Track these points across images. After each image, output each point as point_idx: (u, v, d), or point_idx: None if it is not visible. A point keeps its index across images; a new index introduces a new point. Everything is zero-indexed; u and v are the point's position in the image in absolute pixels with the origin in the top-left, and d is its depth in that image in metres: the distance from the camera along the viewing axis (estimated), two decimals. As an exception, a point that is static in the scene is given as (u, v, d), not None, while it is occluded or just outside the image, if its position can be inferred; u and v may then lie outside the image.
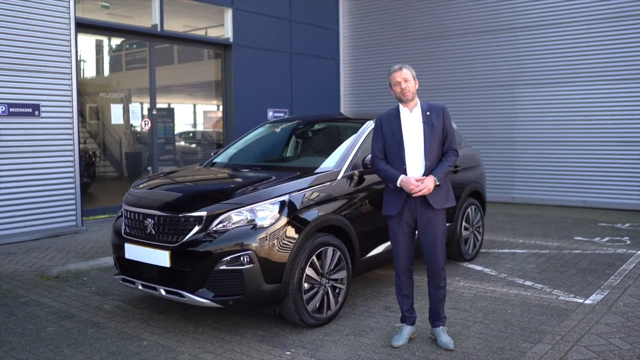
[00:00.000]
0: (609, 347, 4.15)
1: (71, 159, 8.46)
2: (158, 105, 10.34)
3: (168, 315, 5.01)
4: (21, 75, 7.89)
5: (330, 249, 4.73)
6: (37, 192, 8.08)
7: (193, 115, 12.62)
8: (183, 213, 4.49)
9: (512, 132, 11.48)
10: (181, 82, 12.17)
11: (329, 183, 4.92)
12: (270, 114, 11.87)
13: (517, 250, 7.34)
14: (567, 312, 4.95)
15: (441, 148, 4.30)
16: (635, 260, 6.66)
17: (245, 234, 4.34)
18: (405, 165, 4.21)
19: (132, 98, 10.86)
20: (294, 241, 4.46)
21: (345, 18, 13.69)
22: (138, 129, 10.73)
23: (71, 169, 8.46)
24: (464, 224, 6.63)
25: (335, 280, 4.80)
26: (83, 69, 11.11)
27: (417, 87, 4.30)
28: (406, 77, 4.23)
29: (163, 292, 4.53)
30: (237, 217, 4.42)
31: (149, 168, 10.32)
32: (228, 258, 4.28)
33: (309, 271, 4.56)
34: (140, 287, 4.73)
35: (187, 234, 4.42)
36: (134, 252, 4.69)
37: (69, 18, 8.40)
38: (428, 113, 4.27)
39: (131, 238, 4.77)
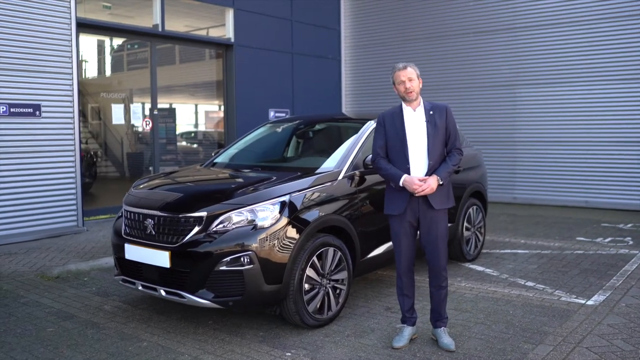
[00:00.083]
0: (611, 349, 4.12)
1: (72, 159, 8.45)
2: (159, 106, 10.33)
3: (168, 316, 5.00)
4: (22, 76, 7.88)
5: (331, 250, 4.71)
6: (38, 192, 8.07)
7: (194, 115, 12.61)
8: (183, 213, 4.47)
9: (513, 132, 11.45)
10: (182, 82, 12.15)
11: (329, 183, 4.90)
12: (271, 114, 11.85)
13: (519, 251, 7.32)
14: (569, 313, 4.93)
15: (444, 147, 4.28)
16: (638, 261, 6.63)
17: (245, 234, 4.32)
18: (408, 164, 4.19)
19: (133, 98, 10.84)
20: (294, 242, 4.44)
21: (347, 18, 13.67)
22: (139, 129, 10.72)
23: (72, 169, 8.45)
24: (465, 224, 6.61)
25: (336, 281, 4.78)
26: (85, 69, 11.10)
27: (420, 86, 4.27)
28: (411, 77, 4.20)
29: (163, 293, 4.52)
30: (237, 217, 4.40)
31: (150, 168, 10.31)
32: (228, 259, 4.26)
33: (309, 272, 4.54)
34: (140, 287, 4.72)
35: (187, 235, 4.40)
36: (134, 252, 4.68)
37: (70, 18, 8.39)
38: (431, 112, 4.25)
39: (131, 238, 4.76)
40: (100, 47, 11.37)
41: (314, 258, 4.57)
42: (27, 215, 7.97)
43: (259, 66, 11.59)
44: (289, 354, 4.17)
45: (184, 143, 12.20)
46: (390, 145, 4.29)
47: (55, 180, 8.27)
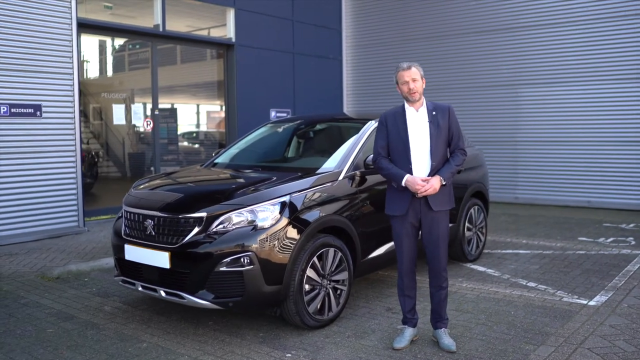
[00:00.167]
0: (613, 350, 4.10)
1: (73, 159, 8.44)
2: (160, 106, 10.32)
3: (168, 317, 4.98)
4: (23, 76, 7.87)
5: (331, 250, 4.69)
6: (39, 193, 8.06)
7: (195, 115, 12.61)
8: (183, 214, 4.45)
9: (515, 132, 11.42)
10: (183, 83, 12.15)
11: (330, 184, 4.89)
12: (272, 114, 11.84)
13: (521, 251, 7.29)
14: (571, 313, 4.90)
15: (447, 148, 4.26)
16: (640, 261, 6.62)
17: (245, 235, 4.31)
18: (410, 165, 4.16)
19: (134, 98, 10.84)
20: (294, 242, 4.43)
21: (348, 18, 13.65)
22: (141, 130, 10.71)
23: (73, 170, 8.44)
24: (466, 224, 6.59)
25: (337, 281, 4.76)
26: (86, 69, 11.10)
27: (424, 86, 4.25)
28: (415, 77, 4.17)
29: (163, 294, 4.50)
30: (237, 218, 4.39)
31: (151, 168, 10.30)
32: (228, 259, 4.24)
33: (310, 272, 4.52)
34: (140, 288, 4.70)
35: (187, 235, 4.39)
36: (134, 253, 4.67)
37: (71, 18, 8.38)
38: (434, 113, 4.22)
39: (131, 239, 4.75)
40: (101, 47, 11.37)
41: (315, 259, 4.56)
42: (28, 216, 7.96)
43: (260, 66, 11.57)
44: (289, 355, 4.15)
45: (185, 143, 12.20)
46: (393, 145, 4.27)
47: (56, 180, 8.27)
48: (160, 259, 4.44)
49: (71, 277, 6.32)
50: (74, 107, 8.43)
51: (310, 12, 12.65)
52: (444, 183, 4.13)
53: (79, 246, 7.55)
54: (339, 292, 4.79)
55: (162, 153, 10.41)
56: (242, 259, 4.25)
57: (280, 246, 4.36)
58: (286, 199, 4.52)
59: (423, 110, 4.23)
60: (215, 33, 11.43)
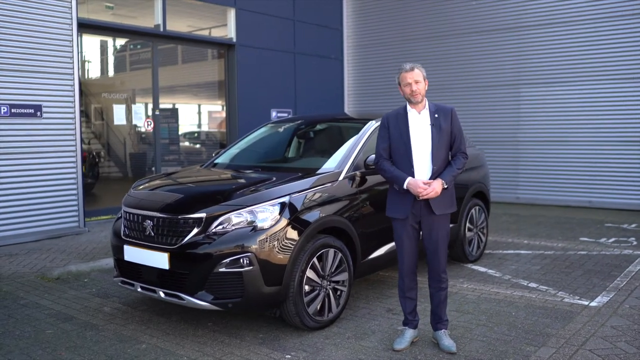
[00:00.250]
0: (614, 351, 4.07)
1: (73, 159, 8.43)
2: (161, 106, 10.31)
3: (168, 318, 4.96)
4: (23, 76, 7.86)
5: (331, 251, 4.67)
6: (39, 193, 8.06)
7: (196, 115, 12.60)
8: (182, 215, 4.44)
9: (516, 132, 11.40)
10: (184, 83, 12.14)
11: (330, 184, 4.87)
12: (273, 114, 11.82)
13: (522, 251, 7.27)
14: (572, 314, 4.88)
15: (448, 151, 4.23)
16: (642, 262, 6.59)
17: (244, 235, 4.29)
18: (413, 168, 4.13)
19: (135, 98, 10.83)
20: (294, 243, 4.41)
21: (349, 18, 13.63)
22: (141, 130, 10.70)
23: (73, 170, 8.43)
24: (467, 224, 6.56)
25: (337, 282, 4.74)
26: (87, 70, 11.10)
27: (426, 87, 4.22)
28: (417, 79, 4.13)
29: (162, 295, 4.49)
30: (236, 218, 4.37)
31: (152, 169, 10.29)
32: (227, 260, 4.23)
33: (309, 273, 4.50)
34: (139, 289, 4.69)
35: (186, 236, 4.37)
36: (133, 254, 4.65)
37: (71, 18, 8.37)
38: (436, 115, 4.18)
39: (130, 240, 4.73)
40: (102, 47, 11.37)
41: (314, 259, 4.54)
42: (28, 216, 7.95)
43: (261, 66, 11.56)
44: (289, 356, 4.13)
45: (186, 143, 12.19)
46: (394, 147, 4.24)
47: (57, 180, 8.26)
48: (160, 259, 4.42)
49: (71, 277, 6.31)
50: (74, 107, 8.41)
51: (311, 12, 12.63)
52: (445, 186, 4.11)
53: (79, 246, 7.54)
54: (339, 293, 4.77)
55: (163, 153, 10.40)
56: (241, 260, 4.23)
57: (280, 247, 4.34)
58: (286, 199, 4.50)
59: (425, 113, 4.20)
60: (216, 33, 11.42)
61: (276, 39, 11.86)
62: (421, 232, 4.29)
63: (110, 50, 11.51)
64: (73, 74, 8.39)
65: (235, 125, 11.18)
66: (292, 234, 4.42)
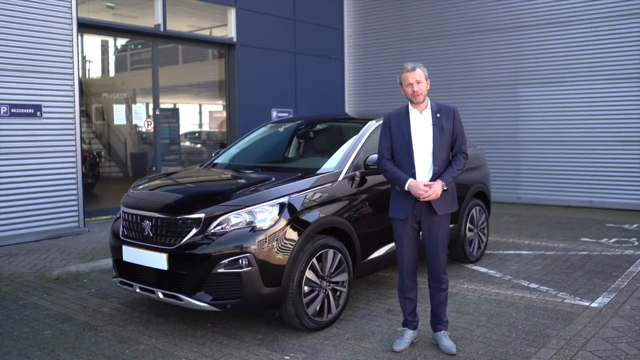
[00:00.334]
0: (615, 352, 4.05)
1: (73, 159, 8.42)
2: (162, 106, 10.30)
3: (167, 319, 4.95)
4: (23, 76, 7.85)
5: (330, 252, 4.65)
6: (39, 193, 8.04)
7: (197, 115, 12.59)
8: (181, 215, 4.42)
9: (516, 132, 11.37)
10: (185, 82, 12.13)
11: (329, 184, 4.85)
12: (274, 113, 11.80)
13: (523, 252, 7.24)
14: (573, 315, 4.85)
15: (449, 152, 4.21)
16: (643, 262, 6.56)
17: (243, 236, 4.27)
18: (414, 169, 4.11)
19: (135, 98, 10.82)
20: (293, 243, 4.39)
21: (350, 17, 13.61)
22: (142, 130, 10.69)
23: (73, 170, 8.42)
24: (468, 225, 6.54)
25: (336, 283, 4.72)
26: (87, 70, 11.09)
27: (428, 87, 4.19)
28: (419, 79, 4.10)
29: (161, 295, 4.47)
30: (235, 219, 4.35)
31: (153, 169, 10.28)
32: (226, 261, 4.21)
33: (309, 274, 4.48)
34: (138, 290, 4.67)
35: (184, 237, 4.35)
36: (132, 254, 4.64)
37: (71, 18, 8.36)
38: (438, 115, 4.16)
39: (129, 240, 4.72)
40: (103, 47, 11.36)
41: (314, 260, 4.52)
42: (28, 216, 7.94)
43: (261, 66, 11.54)
44: (288, 357, 4.12)
45: (186, 143, 12.18)
46: (396, 147, 4.22)
47: (57, 180, 8.25)
48: (158, 260, 4.41)
49: (70, 278, 6.29)
50: (74, 107, 8.40)
51: (312, 12, 12.61)
52: (445, 188, 4.09)
53: (79, 247, 7.53)
54: (338, 293, 4.75)
55: (163, 153, 10.39)
56: (240, 261, 4.21)
57: (279, 247, 4.32)
58: (285, 199, 4.49)
59: (427, 113, 4.18)
60: (217, 33, 11.40)
61: (277, 39, 11.84)
62: (421, 233, 4.27)
63: (111, 50, 11.50)
64: (73, 73, 8.38)
65: (235, 125, 11.16)
66: (292, 234, 4.40)
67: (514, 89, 11.32)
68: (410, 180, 4.08)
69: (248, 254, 4.21)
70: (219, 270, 4.21)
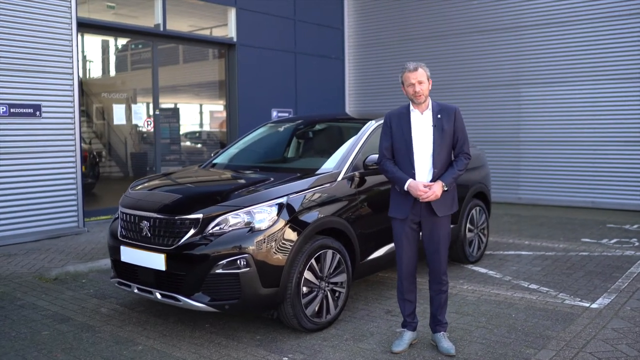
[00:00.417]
0: (615, 354, 4.03)
1: (73, 159, 8.41)
2: (162, 106, 10.29)
3: (165, 319, 4.93)
4: (22, 76, 7.84)
5: (329, 252, 4.63)
6: (39, 193, 8.03)
7: (197, 115, 12.57)
8: (179, 215, 4.40)
9: (517, 132, 11.34)
10: (185, 82, 12.11)
11: (329, 184, 4.83)
12: (274, 113, 11.79)
13: (523, 252, 7.22)
14: (573, 316, 4.83)
15: (450, 153, 4.17)
16: (644, 263, 6.54)
17: (242, 236, 4.25)
18: (414, 170, 4.09)
19: (135, 98, 10.81)
20: (292, 244, 4.37)
21: (350, 17, 13.59)
22: (142, 129, 10.68)
23: (73, 170, 8.41)
24: (468, 225, 6.52)
25: (335, 283, 4.70)
26: (87, 69, 11.08)
27: (430, 87, 4.17)
28: (421, 79, 4.08)
29: (159, 296, 4.45)
30: (234, 219, 4.33)
31: (153, 168, 10.26)
32: (224, 261, 4.19)
33: (307, 275, 4.46)
34: (136, 290, 4.66)
35: (182, 237, 4.34)
36: (130, 255, 4.62)
37: (71, 18, 8.34)
38: (439, 115, 4.13)
39: (127, 241, 4.70)
40: (102, 47, 11.35)
41: (312, 261, 4.50)
42: (27, 216, 7.93)
43: (261, 66, 11.52)
44: (286, 358, 4.10)
45: (187, 143, 12.16)
46: (396, 147, 4.19)
47: (56, 180, 8.23)
48: (156, 260, 4.39)
49: (69, 278, 6.28)
50: (74, 107, 8.39)
51: (312, 12, 12.59)
52: (445, 189, 4.06)
53: (78, 247, 7.51)
54: (337, 294, 4.73)
55: (163, 153, 10.37)
56: (238, 261, 4.19)
57: (278, 248, 4.30)
58: (284, 200, 4.47)
59: (428, 114, 4.15)
60: (217, 33, 11.39)
61: (277, 39, 11.82)
62: (421, 233, 4.25)
63: (111, 49, 11.49)
64: (73, 73, 8.37)
65: (235, 125, 11.15)
66: (290, 234, 4.38)
67: (515, 89, 11.30)
68: (410, 180, 4.06)
69: (246, 255, 4.19)
70: (217, 271, 4.19)
